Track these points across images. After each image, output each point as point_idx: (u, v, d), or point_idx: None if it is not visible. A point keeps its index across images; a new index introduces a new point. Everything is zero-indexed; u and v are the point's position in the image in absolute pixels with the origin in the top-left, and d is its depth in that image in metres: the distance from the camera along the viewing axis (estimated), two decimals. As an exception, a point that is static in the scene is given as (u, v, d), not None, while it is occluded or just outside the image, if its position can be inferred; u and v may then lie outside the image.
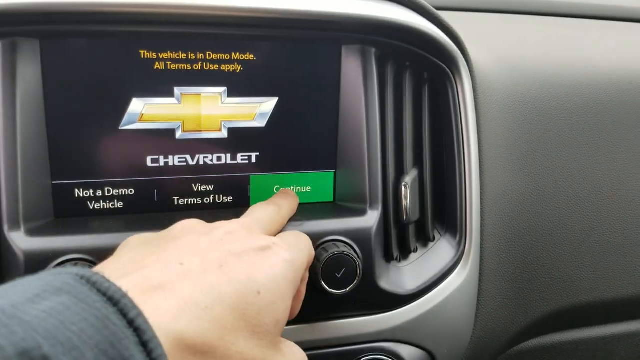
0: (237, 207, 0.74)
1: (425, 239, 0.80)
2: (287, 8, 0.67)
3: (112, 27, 0.65)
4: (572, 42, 1.00)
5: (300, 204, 0.76)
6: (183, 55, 0.68)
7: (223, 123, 0.71)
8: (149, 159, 0.70)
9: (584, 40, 1.02)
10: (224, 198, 0.74)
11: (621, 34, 1.10)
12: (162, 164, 0.71)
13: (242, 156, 0.73)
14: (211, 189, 0.73)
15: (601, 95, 0.90)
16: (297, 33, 0.71)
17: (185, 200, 0.73)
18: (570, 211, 0.87)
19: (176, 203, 0.72)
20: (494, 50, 0.89)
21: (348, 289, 0.68)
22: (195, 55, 0.69)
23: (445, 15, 0.76)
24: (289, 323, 0.71)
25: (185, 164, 0.71)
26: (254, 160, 0.74)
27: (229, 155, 0.73)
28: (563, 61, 0.92)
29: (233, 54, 0.70)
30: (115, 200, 0.70)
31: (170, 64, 0.68)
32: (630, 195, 0.91)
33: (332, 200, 0.78)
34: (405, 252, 0.79)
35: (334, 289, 0.68)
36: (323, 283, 0.67)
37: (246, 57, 0.70)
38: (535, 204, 0.85)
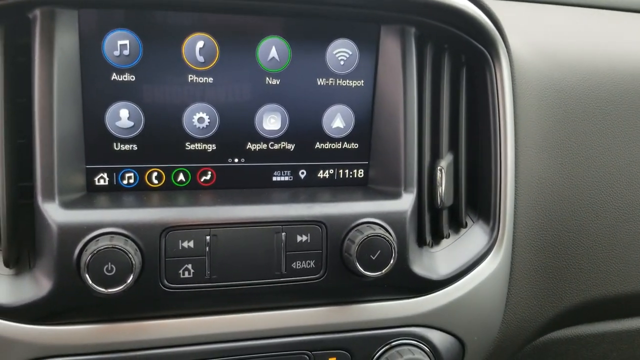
0: (259, 188, 0.74)
1: (457, 225, 0.79)
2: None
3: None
4: (608, 33, 0.98)
5: (333, 187, 0.75)
6: None
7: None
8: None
9: (619, 32, 1.00)
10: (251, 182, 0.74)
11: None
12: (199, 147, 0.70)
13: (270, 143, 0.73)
14: (237, 171, 0.72)
15: (636, 86, 0.89)
16: (338, 10, 0.70)
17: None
18: (602, 201, 0.86)
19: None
20: (531, 38, 0.87)
21: (383, 271, 0.67)
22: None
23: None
24: (320, 305, 0.71)
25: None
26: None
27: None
28: (598, 51, 0.90)
29: None
30: (153, 180, 0.70)
31: None
32: (664, 187, 0.89)
33: (364, 184, 0.77)
34: (437, 238, 0.78)
35: (369, 271, 0.67)
36: (358, 265, 0.66)
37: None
38: (568, 193, 0.83)
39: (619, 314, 0.95)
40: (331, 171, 0.76)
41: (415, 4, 0.69)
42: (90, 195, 0.67)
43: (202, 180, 0.72)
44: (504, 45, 0.76)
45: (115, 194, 0.68)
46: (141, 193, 0.69)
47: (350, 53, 0.73)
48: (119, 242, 0.60)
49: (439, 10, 0.70)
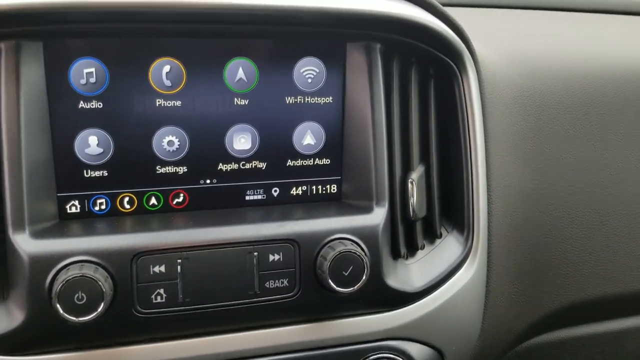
0: (232, 208, 0.74)
1: (432, 236, 0.80)
2: (293, 5, 0.66)
3: (113, 25, 0.65)
4: (578, 36, 0.99)
5: (306, 203, 0.76)
6: None
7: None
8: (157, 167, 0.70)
9: (589, 34, 1.01)
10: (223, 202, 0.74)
11: (626, 28, 1.09)
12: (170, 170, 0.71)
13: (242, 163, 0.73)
14: (209, 192, 0.73)
15: (607, 89, 0.89)
16: (303, 30, 0.70)
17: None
18: (577, 206, 0.86)
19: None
20: (500, 45, 0.88)
21: (356, 287, 0.68)
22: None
23: (451, 11, 0.75)
24: (295, 323, 0.71)
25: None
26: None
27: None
28: (568, 55, 0.91)
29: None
30: (125, 205, 0.70)
31: None
32: (638, 188, 0.90)
33: (338, 198, 0.78)
34: (412, 249, 0.78)
35: (342, 287, 0.67)
36: (330, 281, 0.67)
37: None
38: (543, 199, 0.84)
39: (600, 317, 0.95)
40: (304, 188, 0.77)
41: (378, 22, 0.70)
42: (62, 223, 0.67)
43: (174, 202, 0.72)
44: (470, 57, 0.76)
45: (87, 221, 0.68)
46: (113, 219, 0.69)
47: (318, 71, 0.74)
48: (89, 271, 0.60)
49: (402, 27, 0.71)
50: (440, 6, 0.73)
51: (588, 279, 0.88)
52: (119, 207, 0.70)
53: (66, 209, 0.69)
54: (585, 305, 0.89)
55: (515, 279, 0.83)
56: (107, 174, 0.69)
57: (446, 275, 0.77)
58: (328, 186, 0.77)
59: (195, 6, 0.64)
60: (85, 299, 0.59)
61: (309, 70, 0.74)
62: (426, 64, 0.77)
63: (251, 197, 0.75)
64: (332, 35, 0.73)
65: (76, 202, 0.69)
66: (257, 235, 0.68)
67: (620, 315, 0.97)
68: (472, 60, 0.77)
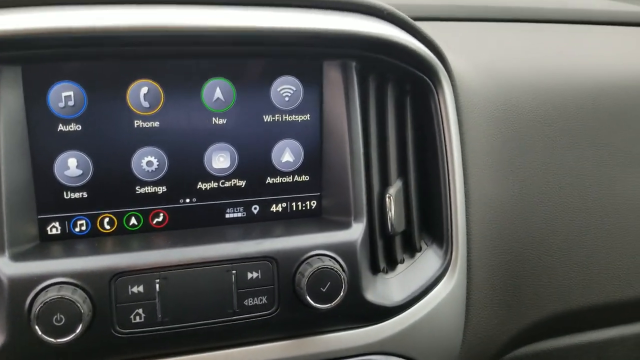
0: (213, 226, 0.75)
1: (412, 250, 0.80)
2: (271, 26, 0.67)
3: (91, 48, 0.66)
4: (553, 47, 1.00)
5: (286, 220, 0.76)
6: None
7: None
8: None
9: (564, 45, 1.02)
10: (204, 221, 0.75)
11: (604, 39, 1.10)
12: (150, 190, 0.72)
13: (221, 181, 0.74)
14: (189, 211, 0.73)
15: (584, 101, 0.90)
16: (279, 50, 0.72)
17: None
18: (557, 217, 0.87)
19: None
20: (476, 59, 0.89)
21: (333, 303, 0.68)
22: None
23: (426, 26, 0.76)
24: (275, 340, 0.72)
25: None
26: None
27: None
28: (544, 67, 0.92)
29: None
30: (105, 225, 0.71)
31: None
32: (617, 198, 0.91)
33: (318, 214, 0.78)
34: (392, 264, 0.79)
35: (320, 303, 0.68)
36: (308, 298, 0.67)
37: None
38: (522, 211, 0.85)
39: (584, 327, 0.96)
40: (284, 204, 0.78)
41: (353, 41, 0.71)
42: (42, 245, 0.68)
43: (154, 222, 0.73)
44: (445, 72, 0.77)
45: (67, 242, 0.69)
46: (93, 240, 0.70)
47: (295, 89, 0.75)
48: (67, 292, 0.61)
49: (376, 45, 0.72)
50: (414, 23, 0.75)
51: (570, 289, 0.88)
52: (99, 227, 0.71)
53: (47, 230, 0.69)
54: (568, 315, 0.89)
55: (496, 291, 0.83)
56: (86, 195, 0.70)
57: (426, 289, 0.77)
58: (308, 202, 0.78)
59: (172, 29, 0.65)
60: (63, 321, 0.60)
61: (286, 88, 0.75)
62: (402, 80, 0.79)
63: (231, 215, 0.76)
64: (308, 55, 0.74)
65: (56, 224, 0.70)
66: (235, 254, 0.68)
67: (604, 325, 0.97)
68: (447, 76, 0.78)
